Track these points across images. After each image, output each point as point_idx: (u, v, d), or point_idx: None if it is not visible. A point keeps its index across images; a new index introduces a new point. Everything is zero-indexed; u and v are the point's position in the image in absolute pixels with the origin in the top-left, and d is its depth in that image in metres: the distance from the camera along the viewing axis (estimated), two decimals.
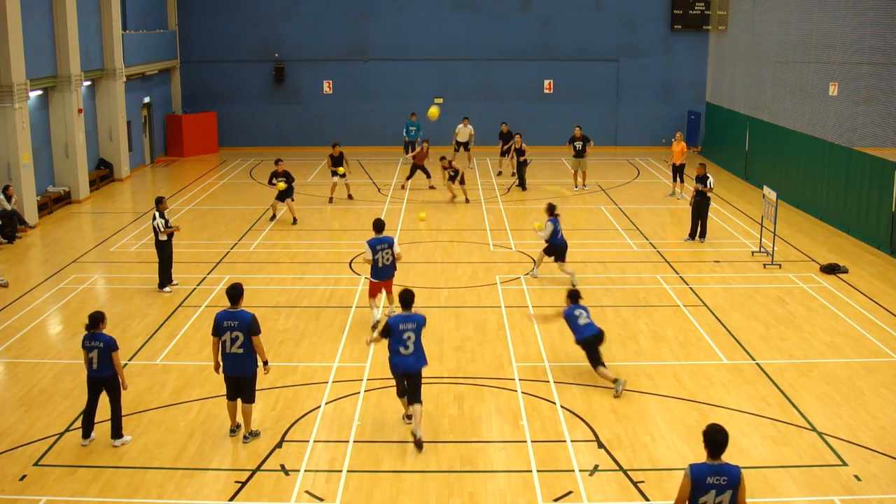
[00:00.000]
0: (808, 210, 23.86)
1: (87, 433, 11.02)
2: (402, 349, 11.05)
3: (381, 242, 14.51)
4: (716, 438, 7.26)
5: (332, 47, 34.92)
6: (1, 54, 21.30)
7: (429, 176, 26.86)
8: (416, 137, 30.58)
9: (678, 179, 26.11)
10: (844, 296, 16.87)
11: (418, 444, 10.87)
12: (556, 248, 17.53)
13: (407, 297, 11.24)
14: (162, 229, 16.79)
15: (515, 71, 35.15)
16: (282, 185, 22.55)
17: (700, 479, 7.18)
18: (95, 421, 11.03)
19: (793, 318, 15.66)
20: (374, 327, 14.51)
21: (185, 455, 10.72)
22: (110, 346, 10.79)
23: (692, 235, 20.85)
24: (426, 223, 22.65)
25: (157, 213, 16.92)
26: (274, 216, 23.29)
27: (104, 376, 10.84)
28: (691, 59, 35.14)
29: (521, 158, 26.76)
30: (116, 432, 11.00)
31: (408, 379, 11.18)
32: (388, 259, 14.55)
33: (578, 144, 25.90)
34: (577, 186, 26.28)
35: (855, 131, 31.57)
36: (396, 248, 14.66)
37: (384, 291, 14.95)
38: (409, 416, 11.49)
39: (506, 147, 28.66)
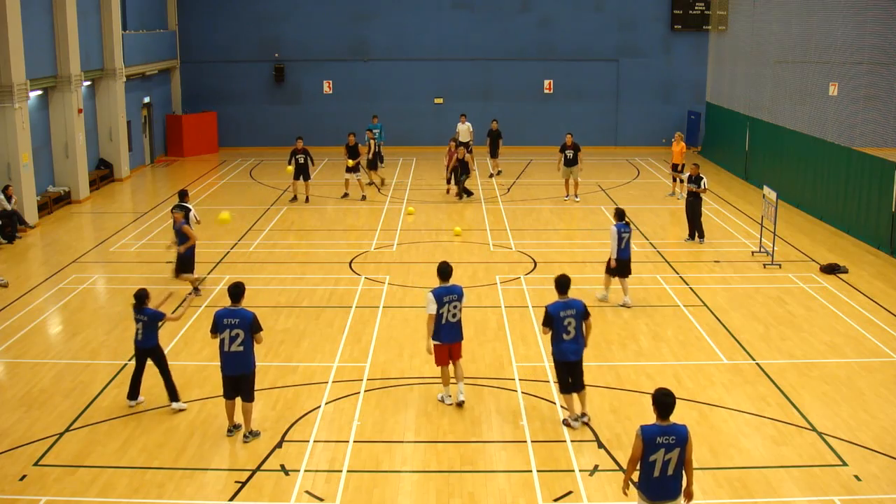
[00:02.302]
0: (808, 210, 23.86)
1: (132, 395, 11.99)
2: (564, 335, 11.17)
3: (449, 293, 11.74)
4: (664, 402, 7.91)
5: (332, 47, 34.93)
6: (1, 54, 21.30)
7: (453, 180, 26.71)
8: (381, 140, 30.64)
9: (678, 179, 26.09)
10: (844, 296, 16.87)
11: (584, 418, 11.45)
12: (618, 261, 15.91)
13: (564, 283, 11.33)
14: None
15: (515, 71, 35.16)
16: (290, 169, 24.57)
17: (651, 439, 7.78)
18: (103, 420, 11.06)
19: (793, 318, 15.65)
20: (442, 399, 12.15)
21: (185, 455, 10.72)
22: (156, 318, 11.78)
23: (691, 236, 20.84)
24: (421, 221, 22.66)
25: (188, 206, 17.46)
26: (294, 197, 25.22)
27: (148, 347, 11.81)
28: (691, 59, 35.15)
29: (464, 175, 25.28)
30: (173, 396, 11.92)
31: (571, 366, 11.28)
32: (455, 315, 11.79)
33: (569, 153, 24.89)
34: (567, 196, 25.29)
35: (855, 131, 31.59)
36: (464, 300, 12.00)
37: (451, 360, 12.07)
38: (581, 415, 11.45)
39: (493, 145, 28.52)
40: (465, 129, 29.86)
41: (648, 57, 35.19)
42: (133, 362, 12.18)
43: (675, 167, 26.10)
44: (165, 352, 13.94)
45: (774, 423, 11.57)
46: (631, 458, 7.95)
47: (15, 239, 21.05)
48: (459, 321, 11.86)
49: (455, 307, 11.72)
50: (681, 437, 7.81)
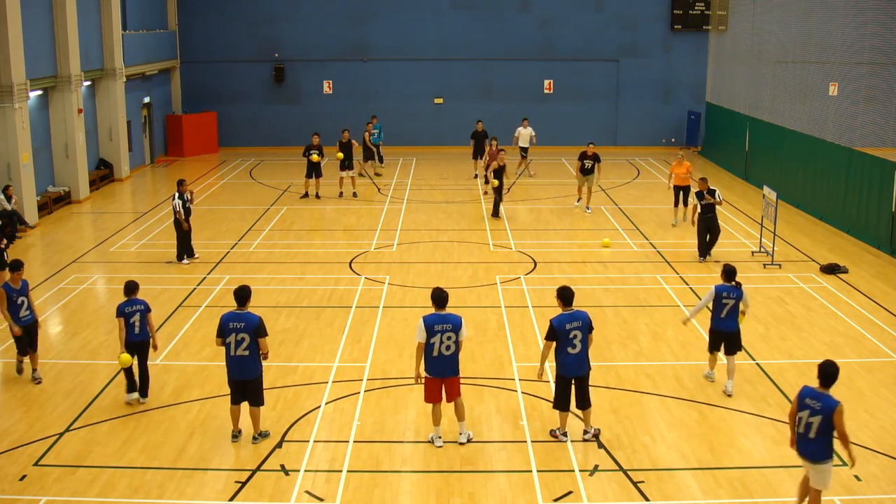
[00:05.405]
0: (808, 210, 23.86)
1: (131, 388, 12.06)
2: (569, 349, 10.70)
3: (442, 322, 10.59)
4: (825, 371, 8.68)
5: (332, 47, 34.92)
6: (1, 54, 21.29)
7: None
8: (379, 140, 30.60)
9: (682, 202, 22.60)
10: (844, 296, 16.87)
11: (596, 436, 11.09)
12: (717, 333, 12.60)
13: (568, 295, 10.75)
14: (179, 211, 18.47)
15: (515, 71, 35.16)
16: (315, 157, 24.89)
17: (801, 398, 8.78)
18: (103, 420, 11.05)
19: (793, 318, 15.65)
20: (432, 441, 11.01)
21: (185, 455, 10.72)
22: (148, 308, 11.99)
23: (703, 254, 19.09)
24: (422, 221, 22.65)
25: (176, 194, 18.67)
26: (306, 194, 25.72)
27: (146, 339, 11.98)
28: (691, 59, 35.14)
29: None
30: (144, 392, 12.11)
31: (577, 381, 10.86)
32: (449, 348, 10.60)
33: (588, 163, 23.49)
34: (579, 200, 24.31)
35: (855, 131, 31.63)
36: (464, 333, 10.73)
37: (444, 397, 10.84)
38: (585, 431, 11.04)
39: (478, 147, 28.17)
40: (526, 134, 28.79)
41: (648, 57, 35.19)
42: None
43: (677, 190, 22.50)
44: (165, 352, 14.04)
45: (774, 423, 11.57)
46: (790, 411, 8.96)
47: (15, 239, 21.04)
48: (455, 355, 10.66)
49: (449, 339, 10.54)
50: (826, 407, 8.53)
